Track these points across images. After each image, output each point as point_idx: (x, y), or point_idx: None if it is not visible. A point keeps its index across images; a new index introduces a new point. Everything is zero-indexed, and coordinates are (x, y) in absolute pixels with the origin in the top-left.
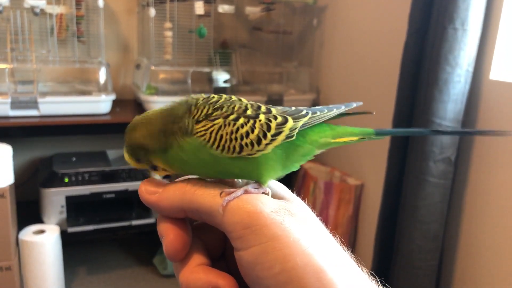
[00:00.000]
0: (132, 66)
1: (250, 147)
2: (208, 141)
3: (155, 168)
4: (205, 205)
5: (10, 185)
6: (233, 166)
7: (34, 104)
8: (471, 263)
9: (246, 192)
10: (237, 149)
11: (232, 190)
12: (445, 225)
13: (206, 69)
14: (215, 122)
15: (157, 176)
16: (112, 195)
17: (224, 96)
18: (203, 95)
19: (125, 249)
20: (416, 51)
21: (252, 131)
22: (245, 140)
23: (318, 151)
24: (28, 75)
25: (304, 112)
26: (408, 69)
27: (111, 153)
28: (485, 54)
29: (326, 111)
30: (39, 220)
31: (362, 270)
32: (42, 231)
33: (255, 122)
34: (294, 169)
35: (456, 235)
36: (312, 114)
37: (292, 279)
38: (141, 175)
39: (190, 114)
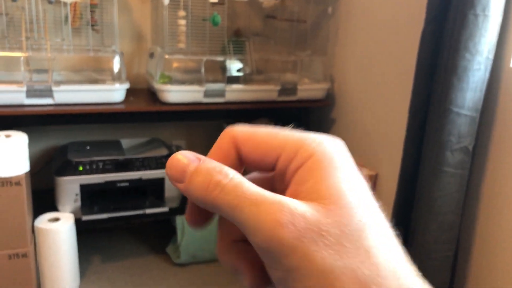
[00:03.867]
0: (145, 55)
1: None
2: None
3: None
4: (229, 214)
5: (26, 173)
6: None
7: (48, 93)
8: (487, 254)
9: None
10: None
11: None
12: (462, 215)
13: (220, 58)
14: None
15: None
16: (126, 184)
17: None
18: None
19: (139, 238)
20: (434, 39)
21: None
22: None
23: None
24: (43, 63)
25: None
26: (425, 56)
27: (125, 142)
28: (506, 41)
29: None
30: (54, 208)
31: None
32: (57, 219)
33: None
34: None
35: (472, 226)
36: None
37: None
38: (154, 164)
39: None
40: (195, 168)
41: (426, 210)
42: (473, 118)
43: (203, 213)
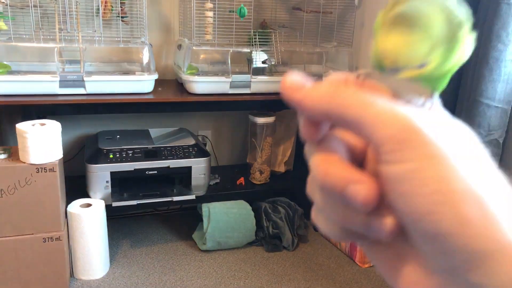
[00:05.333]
0: (173, 47)
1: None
2: None
3: (423, 65)
4: (355, 114)
5: (59, 160)
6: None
7: (80, 83)
8: None
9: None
10: None
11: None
12: None
13: (246, 50)
14: None
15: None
16: (155, 172)
17: None
18: None
19: (166, 224)
20: None
21: None
22: None
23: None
24: (75, 54)
25: None
26: None
27: (153, 131)
28: None
29: None
30: (86, 194)
31: None
32: (88, 205)
33: None
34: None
35: None
36: None
37: (447, 201)
38: (182, 153)
39: None
40: (317, 82)
41: None
42: (504, 111)
43: (317, 126)
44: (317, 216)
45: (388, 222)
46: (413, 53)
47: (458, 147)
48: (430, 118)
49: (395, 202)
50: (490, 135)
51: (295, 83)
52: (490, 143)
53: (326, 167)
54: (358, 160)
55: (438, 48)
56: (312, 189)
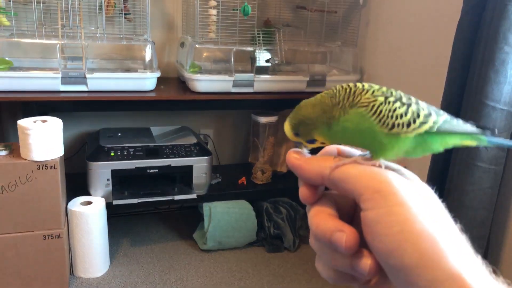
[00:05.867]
0: (176, 44)
1: (400, 127)
2: (369, 111)
3: (312, 142)
4: (341, 173)
5: (60, 157)
6: (377, 139)
7: (82, 80)
8: None
9: (355, 162)
10: (389, 126)
11: (346, 160)
12: (494, 212)
13: (249, 48)
14: (378, 99)
15: (305, 150)
16: (156, 170)
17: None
18: (351, 84)
19: (167, 223)
20: (471, 30)
21: (406, 115)
22: (398, 120)
23: (436, 151)
24: (77, 51)
25: (446, 115)
26: (461, 48)
27: (155, 130)
28: None
29: (466, 125)
30: (86, 192)
31: (476, 256)
32: (89, 202)
33: (408, 107)
34: (407, 156)
35: (504, 223)
36: (453, 120)
37: (408, 240)
38: (183, 152)
39: (353, 94)
40: (311, 156)
41: (457, 205)
42: (510, 113)
43: (314, 190)
44: (318, 263)
45: (368, 262)
46: (287, 133)
47: (418, 197)
48: (400, 177)
49: (371, 243)
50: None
51: (298, 154)
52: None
53: (317, 220)
54: (348, 213)
55: (309, 127)
56: (312, 241)
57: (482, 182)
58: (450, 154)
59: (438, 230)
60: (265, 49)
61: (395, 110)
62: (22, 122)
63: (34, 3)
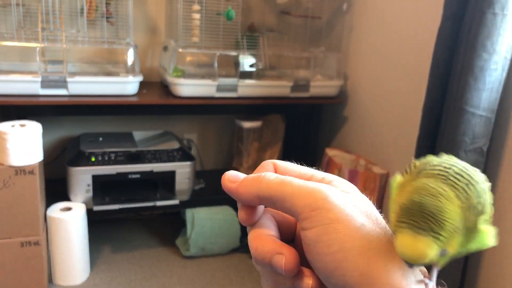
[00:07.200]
0: (159, 48)
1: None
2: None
3: (444, 253)
4: (278, 192)
5: (39, 162)
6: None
7: (63, 84)
8: (499, 257)
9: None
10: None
11: None
12: None
13: (233, 53)
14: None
15: (239, 173)
16: (138, 176)
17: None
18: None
19: (149, 229)
20: (451, 37)
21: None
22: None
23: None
24: (58, 54)
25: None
26: (441, 55)
27: (137, 134)
28: None
29: None
30: (66, 198)
31: None
32: (68, 209)
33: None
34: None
35: None
36: None
37: (348, 258)
38: (166, 157)
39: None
40: (245, 176)
41: None
42: (488, 119)
43: (253, 211)
44: (262, 283)
45: (309, 282)
46: (423, 258)
47: (356, 210)
48: (335, 192)
49: (312, 262)
50: (474, 143)
51: (232, 177)
52: (474, 151)
53: (256, 244)
54: (291, 229)
55: (456, 238)
56: (254, 262)
57: None
58: None
59: (378, 244)
60: (249, 54)
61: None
62: (0, 127)
63: (13, 5)
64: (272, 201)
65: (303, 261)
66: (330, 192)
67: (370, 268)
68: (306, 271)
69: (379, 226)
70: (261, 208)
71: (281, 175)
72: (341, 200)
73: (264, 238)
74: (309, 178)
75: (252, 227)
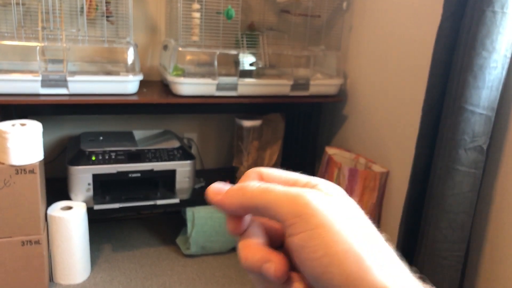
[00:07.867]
0: (159, 47)
1: None
2: None
3: None
4: (262, 200)
5: (40, 161)
6: None
7: (63, 83)
8: (498, 257)
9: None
10: None
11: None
12: (474, 215)
13: (233, 52)
14: None
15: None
16: (138, 175)
17: None
18: None
19: (149, 228)
20: (451, 35)
21: None
22: None
23: None
24: (58, 54)
25: None
26: (441, 53)
27: (137, 133)
28: None
29: None
30: (67, 197)
31: (399, 257)
32: (69, 208)
33: None
34: None
35: (484, 226)
36: None
37: (334, 263)
38: (166, 156)
39: None
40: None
41: (438, 208)
42: (488, 117)
43: (240, 221)
44: None
45: (299, 287)
46: None
47: (339, 214)
48: (318, 196)
49: (300, 267)
50: (474, 141)
51: (216, 189)
52: (474, 150)
53: (245, 253)
54: (280, 235)
55: None
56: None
57: (462, 185)
58: (431, 159)
59: (362, 246)
60: (249, 53)
61: None
62: (0, 126)
63: (13, 4)
64: (257, 210)
65: (293, 266)
66: (312, 197)
67: (355, 271)
68: (295, 276)
69: (364, 227)
70: (248, 217)
71: (266, 182)
72: (324, 205)
73: (253, 247)
74: (293, 184)
75: (241, 237)
